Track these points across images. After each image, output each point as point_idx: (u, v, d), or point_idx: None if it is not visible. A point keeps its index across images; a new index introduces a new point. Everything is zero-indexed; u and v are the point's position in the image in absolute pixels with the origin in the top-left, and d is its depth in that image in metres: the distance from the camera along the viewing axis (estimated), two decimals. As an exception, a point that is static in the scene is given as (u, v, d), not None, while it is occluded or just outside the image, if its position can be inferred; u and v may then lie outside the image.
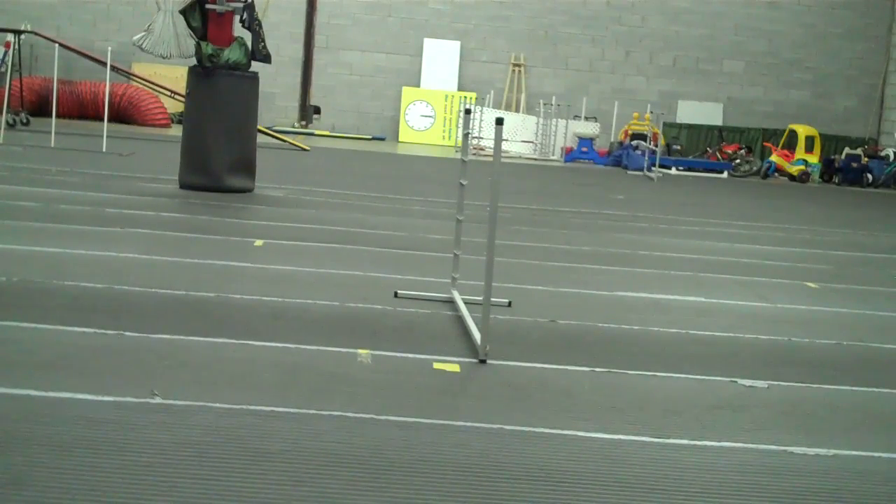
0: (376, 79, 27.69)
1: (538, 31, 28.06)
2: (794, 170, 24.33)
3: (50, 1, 27.61)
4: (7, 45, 21.02)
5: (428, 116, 27.28)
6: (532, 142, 25.71)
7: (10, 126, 18.02)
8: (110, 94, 17.38)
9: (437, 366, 4.75)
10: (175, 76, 21.75)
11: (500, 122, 5.14)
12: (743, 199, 17.38)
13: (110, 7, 27.74)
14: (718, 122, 28.44)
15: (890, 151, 25.76)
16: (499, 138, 5.12)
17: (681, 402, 4.48)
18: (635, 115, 25.61)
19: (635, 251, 9.31)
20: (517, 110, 27.29)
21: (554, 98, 25.60)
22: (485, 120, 23.21)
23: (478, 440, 3.75)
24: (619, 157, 24.49)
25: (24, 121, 20.41)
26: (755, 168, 24.95)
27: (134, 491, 3.02)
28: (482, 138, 22.83)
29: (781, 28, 28.75)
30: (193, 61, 11.66)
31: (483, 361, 4.87)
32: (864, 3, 28.81)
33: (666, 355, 5.33)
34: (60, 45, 17.75)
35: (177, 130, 15.09)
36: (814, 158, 24.88)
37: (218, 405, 3.83)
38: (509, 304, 6.20)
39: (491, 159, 5.26)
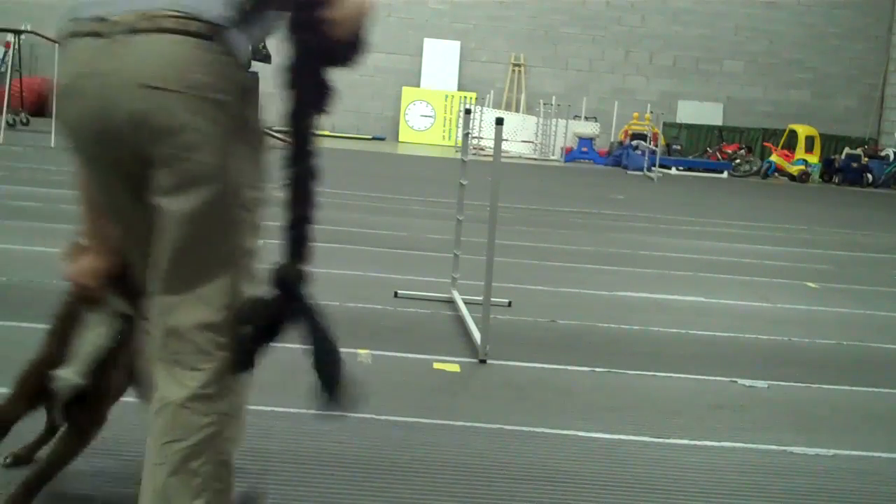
0: (376, 79, 27.69)
1: (538, 31, 28.07)
2: (794, 170, 24.33)
3: (50, 1, 27.64)
4: (7, 45, 21.03)
5: (428, 116, 27.29)
6: (532, 142, 25.72)
7: (10, 126, 18.03)
8: (110, 94, 17.36)
9: (437, 366, 4.75)
10: (175, 76, 21.70)
11: (500, 122, 5.14)
12: (743, 199, 17.38)
13: (110, 7, 27.72)
14: (718, 122, 28.45)
15: (890, 151, 25.77)
16: (499, 138, 5.12)
17: (681, 402, 4.48)
18: (635, 115, 25.62)
19: (635, 251, 9.31)
20: (517, 110, 27.30)
21: (554, 98, 25.61)
22: (485, 120, 23.22)
23: (478, 440, 3.75)
24: (619, 157, 24.51)
25: (24, 121, 20.42)
26: (755, 168, 24.96)
27: (134, 491, 3.02)
28: (482, 138, 22.84)
29: (781, 28, 28.76)
30: (193, 61, 11.66)
31: (483, 361, 4.87)
32: (864, 3, 28.82)
33: (666, 355, 5.33)
34: (61, 45, 17.74)
35: (177, 130, 15.06)
36: (814, 158, 24.89)
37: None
38: (509, 304, 6.20)
39: (491, 159, 5.26)
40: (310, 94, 2.20)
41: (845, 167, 24.61)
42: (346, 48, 2.18)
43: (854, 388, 4.96)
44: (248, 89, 2.22)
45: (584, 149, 25.38)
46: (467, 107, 7.04)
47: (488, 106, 25.62)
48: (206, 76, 2.13)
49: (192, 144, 2.13)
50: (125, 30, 2.12)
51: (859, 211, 17.21)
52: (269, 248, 2.34)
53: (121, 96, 2.12)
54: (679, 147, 26.32)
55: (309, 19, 2.16)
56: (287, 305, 2.23)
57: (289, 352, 4.71)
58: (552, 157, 25.17)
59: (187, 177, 2.14)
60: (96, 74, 2.15)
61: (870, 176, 24.49)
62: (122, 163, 2.21)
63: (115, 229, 2.37)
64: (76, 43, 2.20)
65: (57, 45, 2.39)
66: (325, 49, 2.18)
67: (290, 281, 2.21)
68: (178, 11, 2.12)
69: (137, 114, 2.11)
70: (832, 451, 3.91)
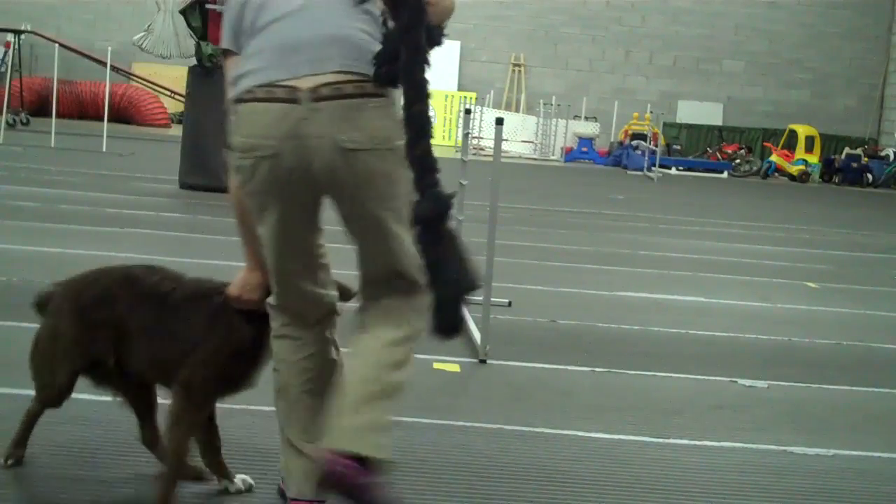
0: (376, 79, 27.68)
1: (538, 31, 28.08)
2: (794, 170, 24.34)
3: (50, 1, 27.62)
4: (7, 45, 21.04)
5: (428, 116, 27.26)
6: (532, 142, 25.72)
7: (10, 126, 18.03)
8: (110, 94, 17.38)
9: (437, 366, 4.75)
10: (175, 76, 21.76)
11: (500, 122, 5.14)
12: (743, 199, 17.38)
13: (110, 7, 27.75)
14: (718, 122, 28.46)
15: (890, 151, 25.78)
16: (499, 138, 5.12)
17: (681, 402, 4.47)
18: (635, 115, 25.62)
19: (635, 251, 9.31)
20: (517, 110, 27.30)
21: (554, 98, 25.61)
22: (485, 120, 23.22)
23: (478, 440, 3.75)
24: (619, 157, 24.51)
25: (24, 121, 20.43)
26: (755, 168, 24.97)
27: (134, 491, 3.02)
28: (482, 138, 22.84)
29: (781, 28, 28.76)
30: (193, 61, 11.67)
31: (483, 361, 4.87)
32: (864, 3, 28.82)
33: (666, 355, 5.33)
34: (60, 45, 17.76)
35: (177, 130, 15.09)
36: (814, 158, 24.90)
37: (218, 405, 3.82)
38: (509, 304, 6.19)
39: (491, 159, 5.26)
40: (417, 54, 2.54)
41: (845, 167, 24.61)
42: (436, 31, 2.58)
43: (854, 388, 4.96)
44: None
45: (584, 149, 25.39)
46: (467, 107, 7.05)
47: (488, 106, 25.62)
48: (385, 130, 2.62)
49: (374, 183, 2.64)
50: (312, 97, 2.57)
51: (859, 211, 17.21)
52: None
53: (319, 156, 2.59)
54: (679, 147, 26.32)
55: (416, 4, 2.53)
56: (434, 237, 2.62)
57: (289, 352, 4.67)
58: (552, 157, 25.17)
59: (370, 204, 2.67)
60: (295, 137, 2.58)
61: (870, 176, 24.49)
62: (304, 202, 2.71)
63: (276, 248, 2.78)
64: (269, 108, 2.59)
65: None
66: (424, 26, 2.54)
67: (432, 216, 2.59)
68: (354, 75, 2.58)
69: (333, 169, 2.60)
70: (832, 451, 3.91)
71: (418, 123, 2.56)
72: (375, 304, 2.82)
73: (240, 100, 2.65)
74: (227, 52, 2.81)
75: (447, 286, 2.68)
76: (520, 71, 28.13)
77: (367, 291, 2.86)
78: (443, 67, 27.49)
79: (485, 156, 19.29)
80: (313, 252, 2.86)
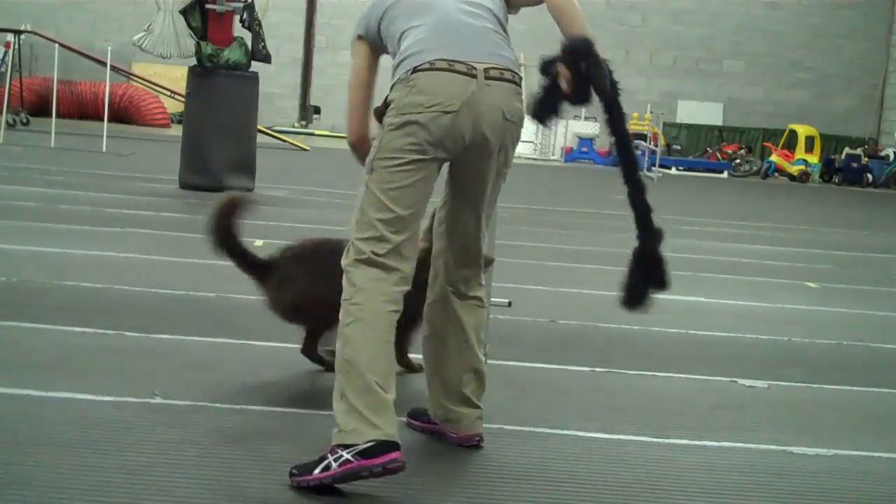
0: (377, 79, 27.66)
1: (538, 30, 27.96)
2: (794, 170, 24.35)
3: (50, 1, 27.63)
4: (7, 45, 21.04)
5: (428, 116, 27.26)
6: (532, 142, 25.72)
7: (10, 126, 18.04)
8: (110, 94, 17.38)
9: (437, 366, 4.73)
10: (175, 76, 21.76)
11: (500, 122, 5.15)
12: (743, 199, 17.39)
13: (110, 7, 27.76)
14: (718, 122, 28.46)
15: (890, 151, 25.80)
16: (499, 138, 5.11)
17: (681, 402, 4.47)
18: (635, 115, 25.62)
19: (635, 251, 9.29)
20: (517, 110, 27.29)
21: (554, 98, 25.58)
22: (485, 120, 23.20)
23: (478, 440, 3.74)
24: (620, 157, 24.49)
25: (24, 121, 20.44)
26: (755, 168, 24.98)
27: (134, 491, 3.02)
28: (482, 138, 22.82)
29: (782, 28, 28.76)
30: (193, 61, 11.67)
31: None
32: (864, 3, 28.82)
33: (666, 355, 5.33)
34: (60, 45, 17.76)
35: (177, 130, 15.09)
36: (814, 158, 24.91)
37: (218, 405, 3.82)
38: (509, 304, 6.19)
39: (491, 159, 5.25)
40: (614, 106, 3.40)
41: (845, 167, 24.63)
42: (615, 84, 3.39)
43: (854, 388, 4.96)
44: None
45: (584, 149, 25.39)
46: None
47: (488, 106, 25.61)
48: (521, 111, 3.40)
49: (507, 151, 3.43)
50: (486, 76, 3.26)
51: (859, 211, 17.22)
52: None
53: (487, 120, 3.26)
54: (679, 147, 26.33)
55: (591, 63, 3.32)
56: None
57: (289, 352, 4.69)
58: (552, 157, 25.18)
59: (500, 165, 3.45)
60: (472, 103, 3.22)
61: (870, 176, 24.51)
62: (450, 156, 3.30)
63: (413, 182, 3.26)
64: (450, 76, 3.22)
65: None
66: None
67: (654, 248, 3.54)
68: (509, 66, 3.35)
69: (492, 132, 3.29)
70: (832, 451, 3.91)
71: (641, 185, 3.64)
72: (458, 298, 3.57)
73: (417, 69, 3.22)
74: (360, 38, 3.62)
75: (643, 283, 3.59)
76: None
77: (452, 269, 3.54)
78: (443, 67, 27.48)
79: (485, 156, 19.25)
80: (427, 198, 3.33)
